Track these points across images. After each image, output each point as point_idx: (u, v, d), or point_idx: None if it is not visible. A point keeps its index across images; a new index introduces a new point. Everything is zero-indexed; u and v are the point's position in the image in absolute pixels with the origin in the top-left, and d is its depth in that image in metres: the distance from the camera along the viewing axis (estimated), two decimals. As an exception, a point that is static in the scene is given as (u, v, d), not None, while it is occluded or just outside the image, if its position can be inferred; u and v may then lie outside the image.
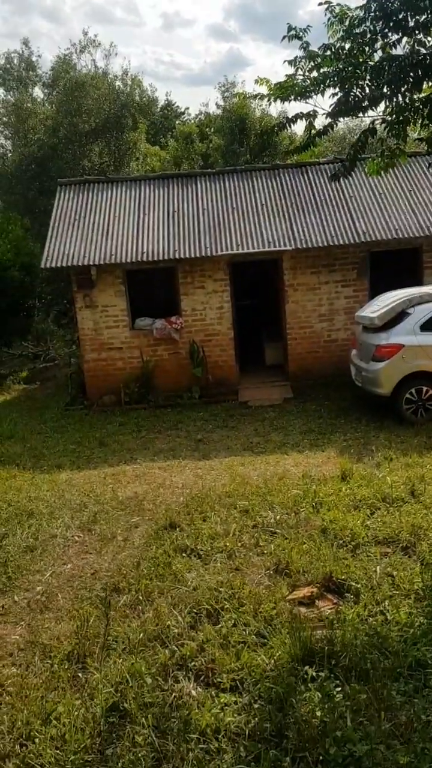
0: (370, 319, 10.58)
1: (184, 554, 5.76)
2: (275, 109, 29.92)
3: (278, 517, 6.39)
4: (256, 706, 3.80)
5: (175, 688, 4.04)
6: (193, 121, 35.30)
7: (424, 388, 10.16)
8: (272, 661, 4.14)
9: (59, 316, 20.75)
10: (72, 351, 16.88)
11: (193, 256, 12.73)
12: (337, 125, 6.30)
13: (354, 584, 4.99)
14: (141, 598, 5.06)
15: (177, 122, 35.44)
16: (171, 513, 6.65)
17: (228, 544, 5.84)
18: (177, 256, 12.71)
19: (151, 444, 10.16)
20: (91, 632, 4.63)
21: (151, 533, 6.30)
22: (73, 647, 4.51)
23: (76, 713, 3.86)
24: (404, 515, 6.19)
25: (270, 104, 7.13)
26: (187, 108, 44.86)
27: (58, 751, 3.62)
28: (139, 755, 3.51)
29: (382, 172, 6.66)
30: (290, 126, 6.32)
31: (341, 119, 6.20)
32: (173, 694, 3.98)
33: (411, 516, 6.14)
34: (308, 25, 5.91)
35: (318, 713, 3.62)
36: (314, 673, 3.95)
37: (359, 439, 9.56)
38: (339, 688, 3.80)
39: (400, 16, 5.39)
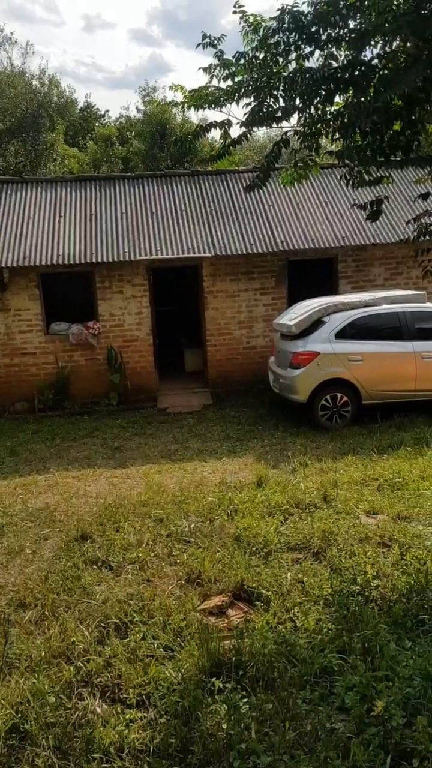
0: (287, 326, 10.73)
1: (94, 566, 5.62)
2: (196, 115, 30.13)
3: (193, 526, 6.34)
4: (161, 721, 3.73)
5: (79, 706, 3.91)
6: (113, 124, 35.01)
7: (339, 395, 10.39)
8: (180, 674, 4.07)
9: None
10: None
11: (110, 260, 12.56)
12: (252, 134, 6.32)
13: (265, 592, 4.99)
14: (47, 613, 4.89)
15: (97, 124, 35.05)
16: (83, 524, 6.48)
17: (140, 554, 5.74)
18: (94, 260, 12.50)
19: (65, 452, 9.91)
20: (-8, 651, 4.43)
21: (61, 545, 6.11)
22: (-27, 667, 4.30)
23: (-27, 738, 3.67)
24: (316, 521, 6.26)
25: (184, 111, 7.08)
26: (108, 111, 44.54)
27: None
28: (39, 779, 3.37)
29: (296, 183, 6.76)
30: (205, 134, 6.30)
31: (258, 129, 6.23)
32: (77, 713, 3.85)
33: (323, 521, 6.22)
34: (222, 34, 5.91)
35: (224, 726, 3.58)
36: (221, 685, 3.91)
37: (276, 445, 9.66)
38: (245, 699, 3.77)
39: (313, 29, 5.45)
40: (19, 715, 3.80)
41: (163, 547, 5.95)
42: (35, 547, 6.19)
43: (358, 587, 4.97)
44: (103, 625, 4.68)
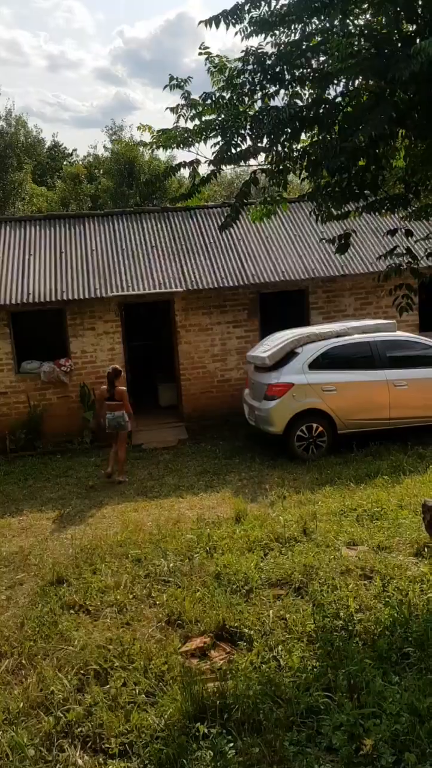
0: (261, 358, 10.78)
1: (71, 611, 5.47)
2: (164, 153, 30.49)
3: (171, 565, 6.23)
4: (146, 771, 3.61)
5: (60, 758, 3.78)
6: (81, 163, 35.34)
7: (315, 425, 10.40)
8: (163, 720, 3.96)
9: None
10: None
11: (81, 297, 12.54)
12: (221, 173, 6.40)
13: (247, 631, 4.91)
14: (24, 662, 4.74)
15: (65, 163, 35.38)
16: (59, 567, 6.33)
17: (119, 597, 5.62)
18: (65, 298, 12.48)
19: (38, 493, 9.73)
20: (-32, 704, 4.27)
21: (36, 590, 5.96)
22: None
23: None
24: (297, 555, 6.21)
25: (153, 151, 7.15)
26: (75, 149, 45.00)
27: None
28: None
29: (265, 218, 6.84)
30: (173, 175, 6.37)
31: (226, 167, 6.31)
32: (58, 766, 3.72)
33: (303, 555, 6.16)
34: (189, 76, 6.01)
35: (210, 773, 3.48)
36: (206, 730, 3.80)
37: (253, 478, 9.61)
38: (231, 744, 3.66)
39: (277, 70, 5.58)
40: (-3, 772, 3.66)
41: (142, 588, 5.83)
42: (10, 593, 6.03)
43: (341, 622, 4.92)
44: (82, 672, 4.55)
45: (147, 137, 6.22)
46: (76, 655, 4.72)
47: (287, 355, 10.61)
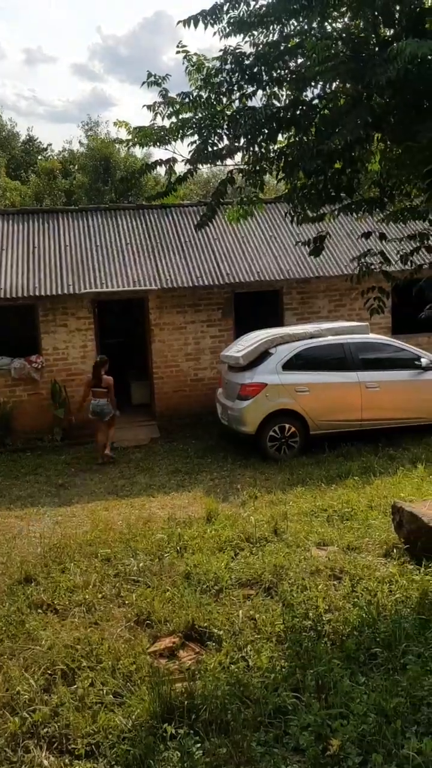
0: (235, 358, 10.79)
1: (39, 610, 5.40)
2: (140, 150, 30.27)
3: (141, 565, 6.19)
4: (112, 772, 3.58)
5: (26, 759, 3.73)
6: (56, 158, 35.02)
7: (287, 426, 10.44)
8: (130, 720, 3.92)
9: None
10: None
11: (54, 293, 12.43)
12: (197, 171, 6.38)
13: (216, 631, 4.89)
14: (-10, 662, 4.68)
15: (39, 158, 35.01)
16: (27, 566, 6.25)
17: (87, 596, 5.56)
18: (37, 293, 12.36)
19: (7, 491, 9.61)
20: None
21: (3, 589, 5.87)
22: None
23: None
24: (267, 555, 6.21)
25: (129, 148, 7.11)
26: (50, 144, 44.47)
27: None
28: None
29: (241, 219, 6.84)
30: (150, 172, 6.34)
31: (203, 166, 6.29)
32: (23, 767, 3.67)
33: (273, 555, 6.17)
34: (167, 74, 5.98)
35: (177, 775, 3.46)
36: (174, 731, 3.78)
37: (225, 477, 9.61)
38: (199, 745, 3.65)
39: (255, 70, 5.58)
40: (-40, 774, 3.60)
41: (111, 587, 5.78)
42: (-23, 592, 5.94)
43: (310, 622, 4.93)
44: (49, 672, 4.49)
45: (124, 133, 6.18)
46: (44, 655, 4.66)
47: (261, 356, 10.64)
